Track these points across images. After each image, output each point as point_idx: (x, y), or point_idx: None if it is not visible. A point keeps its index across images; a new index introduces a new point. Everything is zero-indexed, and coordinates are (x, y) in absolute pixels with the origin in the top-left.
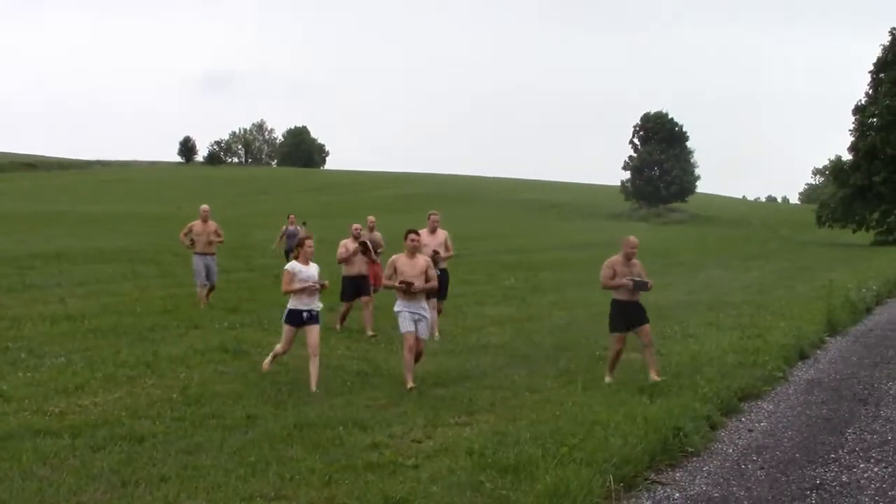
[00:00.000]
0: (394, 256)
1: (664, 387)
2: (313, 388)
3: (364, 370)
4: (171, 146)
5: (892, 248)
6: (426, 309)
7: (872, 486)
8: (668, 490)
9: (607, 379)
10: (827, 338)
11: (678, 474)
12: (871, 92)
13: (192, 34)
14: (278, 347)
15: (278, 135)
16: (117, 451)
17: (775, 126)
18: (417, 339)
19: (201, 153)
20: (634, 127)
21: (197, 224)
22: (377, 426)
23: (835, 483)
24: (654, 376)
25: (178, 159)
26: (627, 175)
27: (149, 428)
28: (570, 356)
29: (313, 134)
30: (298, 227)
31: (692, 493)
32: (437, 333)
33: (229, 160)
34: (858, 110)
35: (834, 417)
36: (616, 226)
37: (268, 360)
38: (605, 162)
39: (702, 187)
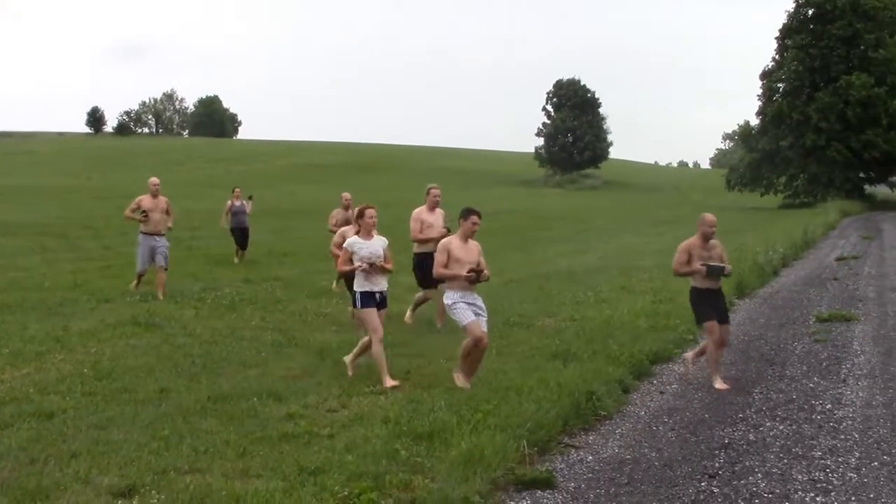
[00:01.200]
0: (445, 240)
1: (578, 351)
2: (388, 383)
3: (279, 341)
4: (80, 117)
5: (799, 211)
6: (481, 300)
7: (777, 443)
8: (582, 453)
9: (718, 385)
10: (736, 300)
11: (591, 437)
12: (777, 57)
13: (101, 2)
14: (367, 339)
15: (189, 104)
16: (25, 427)
17: (687, 92)
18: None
19: (110, 124)
20: (547, 94)
21: (146, 199)
22: (292, 397)
23: (742, 442)
24: (719, 384)
25: (87, 130)
26: (541, 142)
27: (58, 404)
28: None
29: (225, 104)
30: (244, 202)
31: (605, 455)
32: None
33: (139, 130)
34: (766, 75)
35: (742, 378)
36: (530, 193)
37: (350, 357)
38: (519, 129)
39: (615, 153)
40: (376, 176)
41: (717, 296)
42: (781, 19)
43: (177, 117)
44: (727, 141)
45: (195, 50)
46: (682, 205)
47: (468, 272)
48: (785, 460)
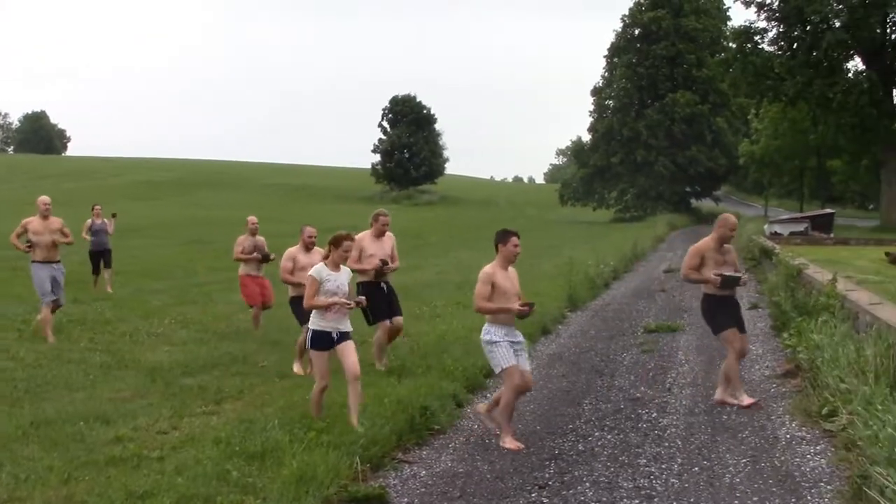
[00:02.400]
0: (488, 270)
1: (412, 367)
2: (355, 423)
3: (108, 362)
4: None
5: (630, 224)
6: (521, 335)
7: (605, 452)
8: (415, 468)
9: (744, 401)
10: (568, 313)
11: (425, 452)
12: (607, 75)
13: None
14: (316, 386)
15: (14, 120)
16: None
17: (522, 108)
18: (523, 373)
19: None
20: (383, 110)
21: (34, 221)
22: (121, 419)
23: (572, 452)
24: (741, 400)
25: None
26: (378, 158)
27: None
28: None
29: (53, 119)
30: (106, 221)
31: (438, 469)
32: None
33: None
34: (596, 92)
35: (573, 389)
36: (367, 208)
37: (313, 403)
38: (355, 145)
39: (451, 169)
40: (215, 192)
41: (734, 303)
42: (610, 38)
43: (0, 133)
44: (561, 156)
45: (20, 63)
46: (517, 219)
47: (521, 305)
48: (612, 469)
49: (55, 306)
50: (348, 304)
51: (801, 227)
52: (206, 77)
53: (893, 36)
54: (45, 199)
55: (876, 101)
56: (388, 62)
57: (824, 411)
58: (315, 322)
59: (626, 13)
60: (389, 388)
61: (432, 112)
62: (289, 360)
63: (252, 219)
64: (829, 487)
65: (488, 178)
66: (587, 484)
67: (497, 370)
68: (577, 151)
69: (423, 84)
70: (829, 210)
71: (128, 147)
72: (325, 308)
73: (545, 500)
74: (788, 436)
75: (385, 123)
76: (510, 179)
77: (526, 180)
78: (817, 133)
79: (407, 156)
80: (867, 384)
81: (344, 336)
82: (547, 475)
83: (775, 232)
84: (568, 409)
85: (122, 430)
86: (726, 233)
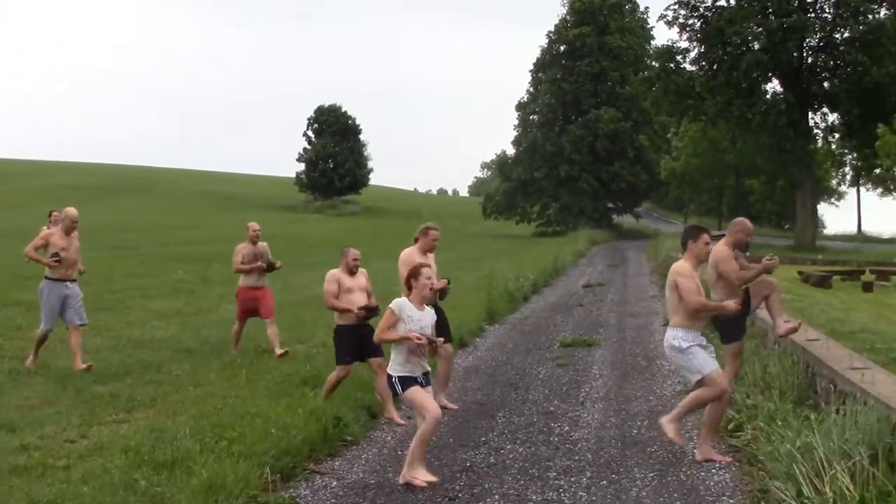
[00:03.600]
0: (684, 269)
1: (328, 377)
2: (425, 480)
3: (17, 369)
4: None
5: (552, 239)
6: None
7: (516, 465)
8: (326, 479)
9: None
10: (486, 326)
11: (337, 463)
12: (532, 90)
13: None
14: (427, 426)
15: None
16: None
17: (448, 121)
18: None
19: None
20: (308, 119)
21: (56, 234)
22: (28, 427)
23: (483, 464)
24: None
25: None
26: (302, 167)
27: None
28: (237, 349)
29: None
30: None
31: (349, 480)
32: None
33: None
34: (521, 107)
35: (487, 402)
36: (290, 218)
37: (407, 475)
38: (279, 154)
39: (375, 180)
40: (138, 198)
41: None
42: (536, 53)
43: None
44: (486, 169)
45: None
46: (442, 231)
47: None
48: (522, 481)
49: (76, 330)
50: (432, 341)
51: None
52: (134, 80)
53: (809, 59)
54: (74, 213)
55: (793, 122)
56: (315, 71)
57: (731, 427)
58: (397, 369)
59: (552, 29)
60: (303, 399)
61: (357, 123)
62: (204, 367)
63: (254, 225)
64: (731, 501)
65: (413, 189)
66: (496, 496)
67: (701, 374)
68: (500, 165)
69: (349, 95)
70: None
71: (45, 150)
72: (399, 341)
73: None
74: (696, 451)
75: (310, 133)
76: (435, 191)
77: (451, 193)
78: (736, 152)
79: (331, 166)
80: (772, 400)
81: (427, 377)
82: (457, 487)
83: None
84: (482, 421)
85: (27, 439)
86: (743, 238)
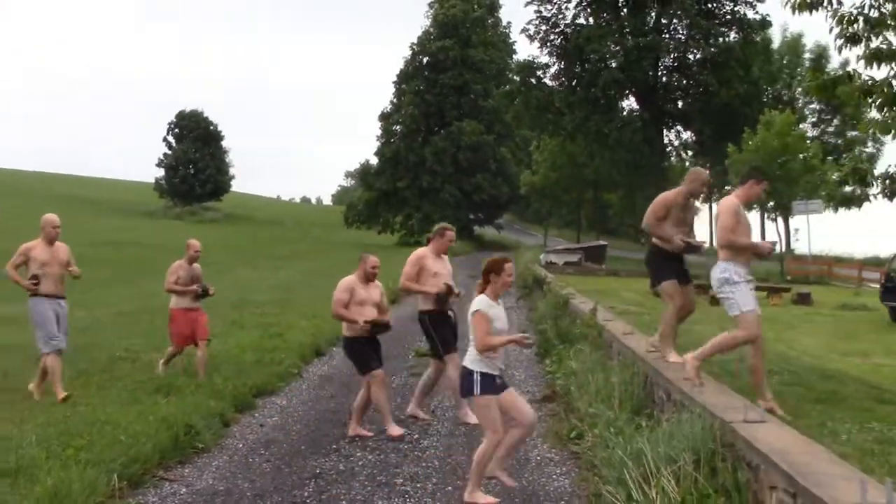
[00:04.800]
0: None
1: (181, 385)
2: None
3: None
4: None
5: (414, 248)
6: None
7: (365, 472)
8: (175, 486)
9: (671, 357)
10: (338, 339)
11: (187, 470)
12: (395, 101)
13: None
14: (490, 442)
15: None
16: None
17: (314, 129)
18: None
19: None
20: (169, 124)
21: (38, 247)
22: None
23: (332, 471)
24: (668, 356)
25: None
26: (162, 172)
27: None
28: (89, 357)
29: None
30: None
31: (199, 487)
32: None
33: None
34: (384, 117)
35: (340, 410)
36: (149, 223)
37: (484, 463)
38: (139, 158)
39: (237, 187)
40: None
41: (680, 260)
42: (400, 65)
43: None
44: (349, 178)
45: None
46: (303, 240)
47: None
48: (369, 487)
49: (56, 354)
50: (528, 341)
51: (574, 258)
52: None
53: (664, 79)
54: (54, 218)
55: (648, 139)
56: (178, 75)
57: (573, 434)
58: (480, 364)
59: (416, 41)
60: (155, 406)
61: (219, 129)
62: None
63: (195, 244)
64: None
65: (276, 197)
66: (344, 502)
67: (735, 312)
68: (363, 174)
69: (212, 101)
70: (601, 242)
71: None
72: (508, 344)
73: None
74: (539, 457)
75: (170, 138)
76: (298, 199)
77: (314, 201)
78: (594, 167)
79: (192, 171)
80: (612, 409)
81: (503, 378)
82: (306, 493)
83: (551, 261)
84: (334, 429)
85: None
86: (698, 188)
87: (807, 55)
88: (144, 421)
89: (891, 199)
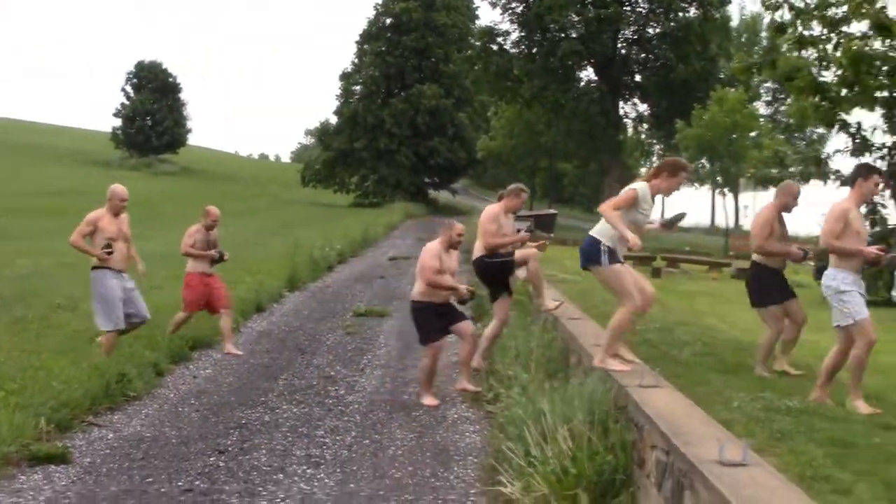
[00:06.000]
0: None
1: (122, 338)
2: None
3: None
4: None
5: (368, 210)
6: None
7: (288, 424)
8: (103, 431)
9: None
10: (287, 293)
11: (116, 417)
12: (357, 61)
13: None
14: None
15: None
16: None
17: (275, 86)
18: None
19: None
20: (127, 74)
21: (105, 218)
22: None
23: (257, 422)
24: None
25: None
26: (118, 122)
27: None
28: (29, 304)
29: None
30: None
31: (126, 433)
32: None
33: None
34: (345, 77)
35: (273, 365)
36: (104, 173)
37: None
38: (95, 107)
39: (195, 141)
40: None
41: (783, 276)
42: (363, 24)
43: None
44: (309, 137)
45: None
46: (259, 196)
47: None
48: (290, 438)
49: (136, 325)
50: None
51: (524, 225)
52: None
53: (623, 51)
54: (122, 191)
55: (605, 110)
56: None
57: (490, 395)
58: (612, 241)
59: (380, 2)
60: (89, 354)
61: (178, 81)
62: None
63: (214, 211)
64: (475, 460)
65: (234, 152)
66: (264, 451)
67: (853, 320)
68: (322, 134)
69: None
70: (552, 210)
71: None
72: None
73: (221, 464)
74: (456, 416)
75: (128, 88)
76: (257, 156)
77: (273, 158)
78: (550, 136)
79: (149, 123)
80: (528, 372)
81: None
82: (229, 442)
83: None
84: (264, 383)
85: None
86: (791, 202)
87: (764, 34)
88: (77, 368)
89: (806, 181)
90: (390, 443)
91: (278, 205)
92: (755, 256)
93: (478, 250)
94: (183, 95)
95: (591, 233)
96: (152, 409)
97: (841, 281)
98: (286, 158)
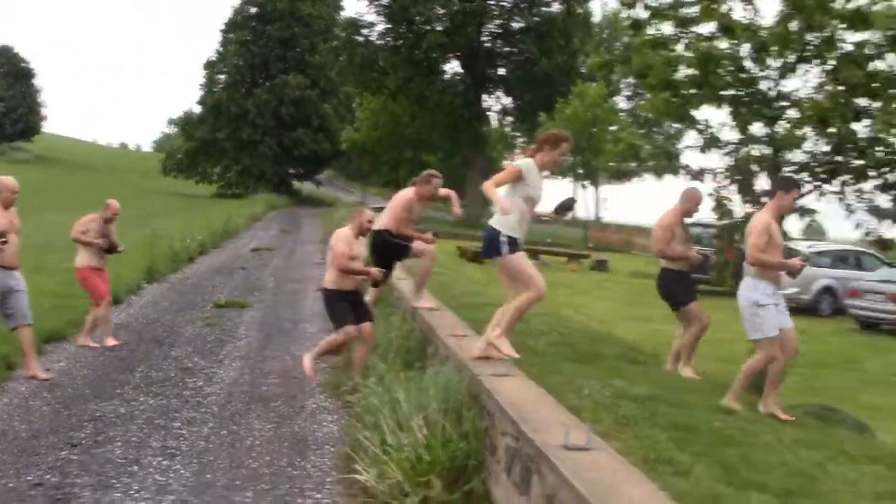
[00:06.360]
0: (763, 221)
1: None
2: None
3: None
4: None
5: (231, 201)
6: None
7: (144, 416)
8: None
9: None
10: (145, 284)
11: None
12: (221, 50)
13: None
14: (528, 296)
15: None
16: None
17: (137, 74)
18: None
19: None
20: None
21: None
22: None
23: (112, 415)
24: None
25: None
26: None
27: None
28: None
29: None
30: None
31: None
32: None
33: None
34: (209, 66)
35: (129, 357)
36: None
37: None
38: None
39: (52, 128)
40: None
41: (692, 279)
42: (228, 13)
43: None
44: (172, 126)
45: None
46: (118, 186)
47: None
48: (146, 430)
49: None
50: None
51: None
52: None
53: (488, 44)
54: (12, 182)
55: (469, 103)
56: None
57: (349, 386)
58: (509, 229)
59: None
60: None
61: (31, 67)
62: None
63: (115, 205)
64: (332, 450)
65: (92, 140)
66: (119, 443)
67: (764, 337)
68: (185, 123)
69: (26, 36)
70: None
71: None
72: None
73: (74, 457)
74: (314, 406)
75: None
76: (117, 145)
77: (133, 147)
78: (414, 128)
79: (2, 110)
80: (385, 363)
81: None
82: (83, 435)
83: None
84: (120, 375)
85: None
86: (693, 208)
87: (625, 31)
88: None
89: (658, 176)
90: (248, 433)
91: (137, 194)
92: (662, 262)
93: (382, 224)
94: (37, 81)
95: (490, 223)
96: (1, 404)
97: (761, 292)
98: (148, 148)
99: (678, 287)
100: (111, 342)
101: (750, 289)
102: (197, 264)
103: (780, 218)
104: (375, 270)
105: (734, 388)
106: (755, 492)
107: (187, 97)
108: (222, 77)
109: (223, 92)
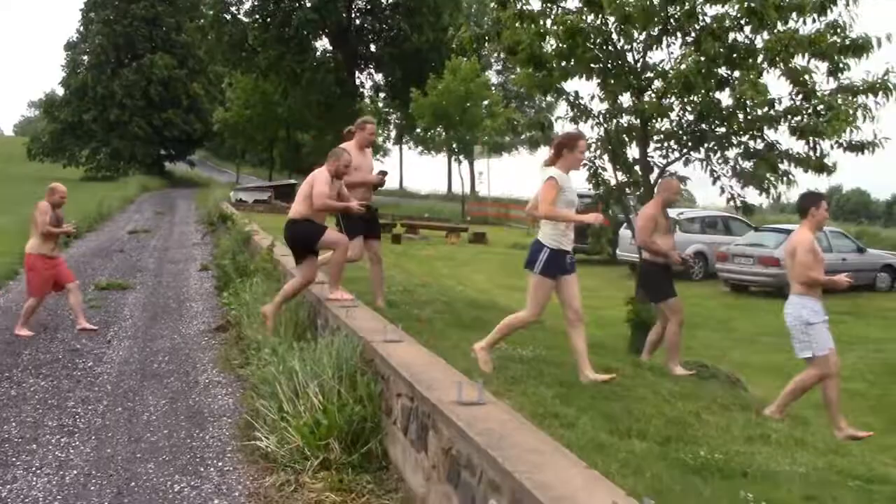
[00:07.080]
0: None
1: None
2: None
3: None
4: None
5: (101, 184)
6: None
7: (37, 396)
8: None
9: (676, 370)
10: (22, 269)
11: None
12: (82, 30)
13: None
14: (525, 315)
15: None
16: None
17: None
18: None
19: None
20: None
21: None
22: None
23: (3, 397)
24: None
25: None
26: None
27: None
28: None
29: None
30: None
31: None
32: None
33: None
34: (70, 47)
35: (14, 341)
36: None
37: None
38: None
39: None
40: None
41: (671, 273)
42: None
43: None
44: (33, 108)
45: None
46: None
47: None
48: (40, 410)
49: None
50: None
51: (264, 196)
52: None
53: (357, 21)
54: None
55: (341, 80)
56: None
57: (241, 359)
58: (552, 237)
59: None
60: None
61: None
62: None
63: (61, 189)
64: (229, 420)
65: None
66: (13, 424)
67: (814, 355)
68: (48, 105)
69: None
70: (292, 181)
71: None
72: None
73: None
74: (207, 380)
75: None
76: None
77: None
78: (286, 106)
79: None
80: (278, 335)
81: (573, 262)
82: None
83: (240, 199)
84: (7, 359)
85: None
86: (671, 197)
87: (493, 5)
88: None
89: (532, 150)
90: (144, 409)
91: (2, 180)
92: (644, 255)
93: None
94: None
95: (538, 237)
96: None
97: (810, 310)
98: (9, 132)
99: (661, 280)
100: (85, 325)
101: (798, 307)
102: (73, 248)
103: (815, 233)
104: (355, 204)
105: (779, 402)
106: (637, 440)
107: (47, 79)
108: (85, 58)
109: (87, 73)
